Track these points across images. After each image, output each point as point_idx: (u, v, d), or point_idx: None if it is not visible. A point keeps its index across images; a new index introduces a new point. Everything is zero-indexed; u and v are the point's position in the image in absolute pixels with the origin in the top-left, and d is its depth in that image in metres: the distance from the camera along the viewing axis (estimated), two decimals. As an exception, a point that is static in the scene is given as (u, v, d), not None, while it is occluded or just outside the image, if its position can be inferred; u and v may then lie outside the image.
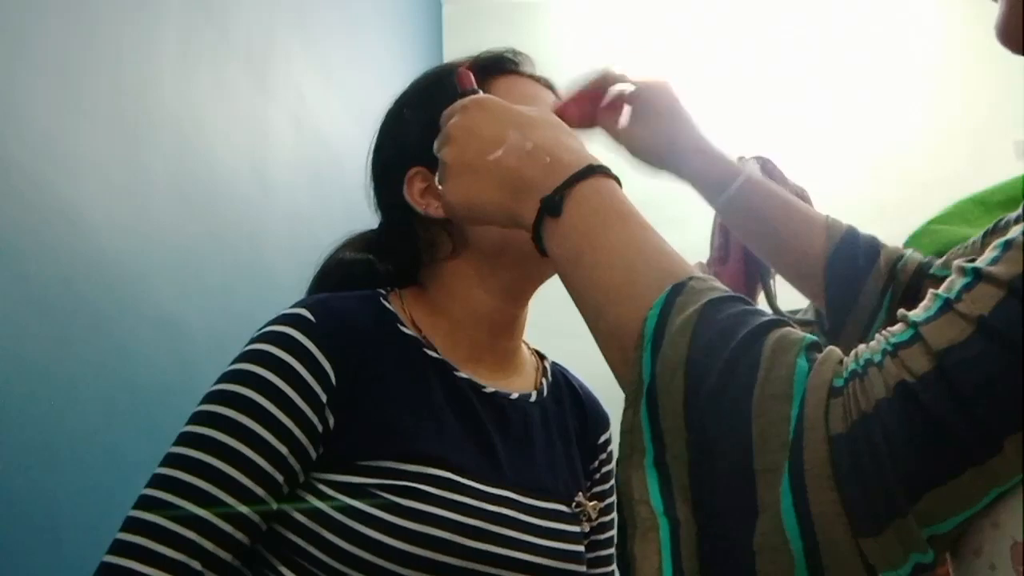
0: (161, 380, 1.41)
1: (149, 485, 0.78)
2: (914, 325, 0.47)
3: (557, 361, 1.07)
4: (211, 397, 0.81)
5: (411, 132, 0.95)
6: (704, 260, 2.50)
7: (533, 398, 0.96)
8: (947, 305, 0.46)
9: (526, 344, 1.03)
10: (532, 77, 0.97)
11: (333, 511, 0.80)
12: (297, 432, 0.80)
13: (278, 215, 1.91)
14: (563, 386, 1.02)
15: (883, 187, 2.88)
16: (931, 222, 1.28)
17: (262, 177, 1.86)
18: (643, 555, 0.50)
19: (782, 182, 2.49)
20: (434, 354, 0.90)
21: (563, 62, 3.51)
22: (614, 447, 1.05)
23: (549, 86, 0.99)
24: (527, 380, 0.98)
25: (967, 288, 0.46)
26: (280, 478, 0.79)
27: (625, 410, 0.53)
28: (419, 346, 0.90)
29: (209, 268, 1.62)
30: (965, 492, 0.44)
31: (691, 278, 0.55)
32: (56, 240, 1.24)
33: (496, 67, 0.95)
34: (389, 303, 0.92)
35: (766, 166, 2.49)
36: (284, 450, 0.79)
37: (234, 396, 0.80)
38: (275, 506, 0.80)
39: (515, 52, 0.98)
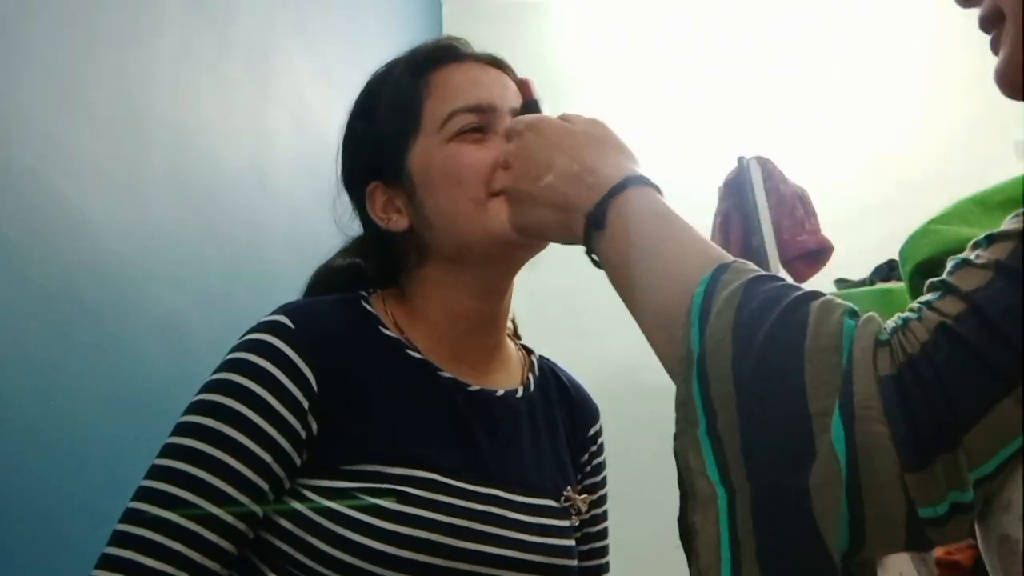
0: (161, 380, 1.41)
1: (135, 498, 0.78)
2: (941, 283, 0.52)
3: (557, 361, 1.07)
4: (194, 408, 0.81)
5: (362, 147, 0.96)
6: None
7: (520, 394, 0.95)
8: (966, 263, 0.51)
9: (513, 340, 1.02)
10: (474, 59, 0.95)
11: (318, 516, 0.80)
12: (280, 439, 0.80)
13: (278, 215, 1.91)
14: (551, 380, 1.01)
15: (883, 187, 2.88)
16: (931, 222, 1.27)
17: (262, 177, 1.86)
18: (703, 527, 0.53)
19: (782, 182, 2.50)
20: (417, 355, 0.90)
21: (563, 62, 3.48)
22: (605, 440, 1.05)
23: (496, 63, 0.95)
24: (513, 376, 0.97)
25: (983, 248, 0.51)
26: (265, 486, 0.79)
27: (677, 385, 0.56)
28: (401, 347, 0.89)
29: (209, 268, 1.62)
30: (1006, 421, 0.47)
31: (735, 261, 0.59)
32: (56, 239, 1.24)
33: (429, 63, 0.93)
34: (371, 305, 0.92)
35: (766, 166, 2.50)
36: (268, 458, 0.79)
37: (216, 406, 0.80)
38: (261, 513, 0.80)
39: (450, 39, 0.96)
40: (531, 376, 0.99)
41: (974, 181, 1.28)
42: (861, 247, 2.49)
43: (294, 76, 2.05)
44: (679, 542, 0.56)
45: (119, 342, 1.34)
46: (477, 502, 0.84)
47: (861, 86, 3.05)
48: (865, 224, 2.68)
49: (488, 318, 0.94)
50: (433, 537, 0.80)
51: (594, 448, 1.03)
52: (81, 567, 0.79)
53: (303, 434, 0.81)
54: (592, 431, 1.03)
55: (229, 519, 0.77)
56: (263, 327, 0.84)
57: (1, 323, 1.12)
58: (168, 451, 0.80)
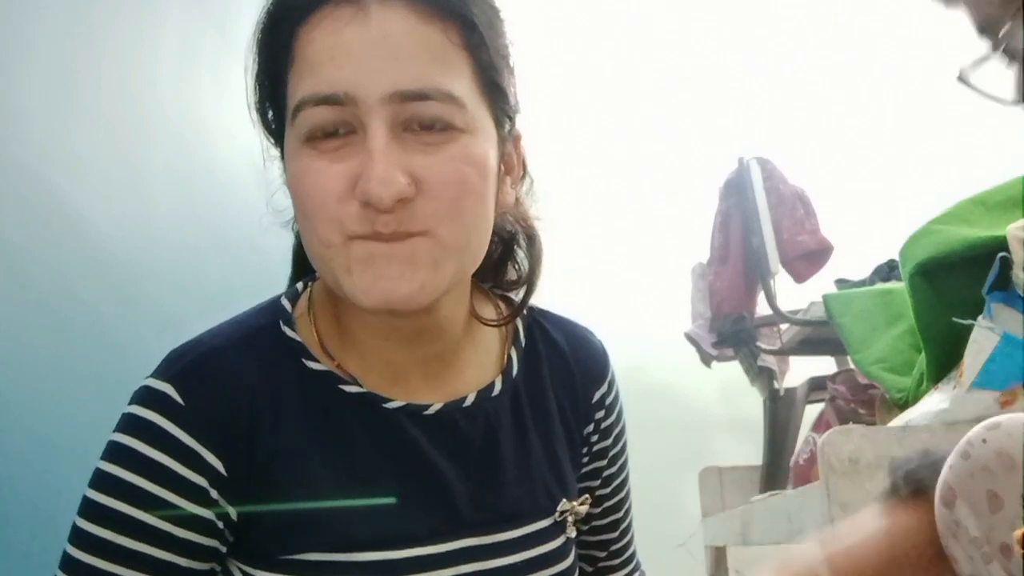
0: (161, 380, 1.41)
1: None
2: None
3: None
4: (85, 510, 0.69)
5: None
6: (704, 260, 2.50)
7: (497, 389, 0.79)
8: None
9: (488, 295, 0.84)
10: None
11: None
12: (192, 536, 0.67)
13: (278, 215, 1.91)
14: (541, 350, 0.84)
15: (884, 187, 2.88)
16: (931, 222, 1.27)
17: (262, 177, 1.86)
18: None
19: (782, 182, 2.49)
20: (354, 389, 0.73)
21: (563, 60, 3.49)
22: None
23: None
24: (486, 366, 0.80)
25: None
26: None
27: None
28: (334, 383, 0.72)
29: (209, 268, 1.62)
30: None
31: None
32: (56, 240, 1.24)
33: (296, 9, 0.66)
34: (294, 328, 0.75)
35: (766, 166, 2.50)
36: (182, 562, 0.67)
37: (108, 514, 0.67)
38: None
39: None
40: (513, 354, 0.82)
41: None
42: (861, 247, 2.49)
43: (294, 76, 2.05)
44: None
45: (119, 342, 1.34)
46: (445, 567, 0.72)
47: (861, 85, 3.05)
48: (866, 224, 2.68)
49: (416, 331, 0.74)
50: None
51: (600, 414, 0.87)
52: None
53: (220, 523, 0.68)
54: (597, 395, 0.86)
55: None
56: (146, 400, 0.69)
57: (1, 323, 1.12)
58: (66, 564, 0.68)
